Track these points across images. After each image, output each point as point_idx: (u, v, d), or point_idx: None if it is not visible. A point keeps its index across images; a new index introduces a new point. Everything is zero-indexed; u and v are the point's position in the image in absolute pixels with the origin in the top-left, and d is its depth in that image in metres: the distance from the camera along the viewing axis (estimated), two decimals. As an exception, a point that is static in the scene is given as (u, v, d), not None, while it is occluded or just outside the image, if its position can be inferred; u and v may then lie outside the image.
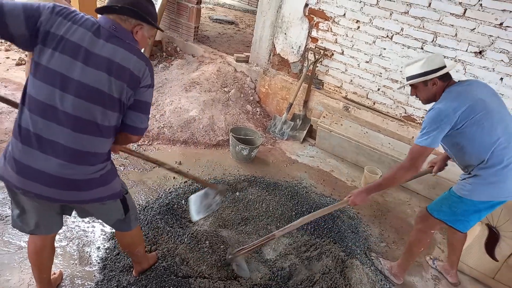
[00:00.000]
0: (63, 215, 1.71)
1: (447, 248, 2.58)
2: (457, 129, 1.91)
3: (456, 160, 2.11)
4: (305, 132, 4.23)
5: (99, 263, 2.18)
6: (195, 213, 2.36)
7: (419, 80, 2.05)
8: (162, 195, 2.84)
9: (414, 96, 2.18)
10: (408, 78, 2.11)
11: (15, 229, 1.67)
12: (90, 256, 2.22)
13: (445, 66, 2.03)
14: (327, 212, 2.23)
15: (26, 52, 3.87)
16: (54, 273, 2.02)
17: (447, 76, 2.05)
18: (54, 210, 1.63)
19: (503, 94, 3.21)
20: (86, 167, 1.45)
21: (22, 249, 2.17)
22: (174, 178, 3.09)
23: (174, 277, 2.05)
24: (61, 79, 1.35)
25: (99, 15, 1.50)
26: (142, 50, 4.76)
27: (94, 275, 2.11)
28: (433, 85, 2.04)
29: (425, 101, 2.13)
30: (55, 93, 1.35)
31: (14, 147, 1.40)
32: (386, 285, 2.42)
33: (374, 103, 3.98)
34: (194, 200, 2.40)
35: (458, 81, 2.07)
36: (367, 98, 4.01)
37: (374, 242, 2.83)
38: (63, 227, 2.35)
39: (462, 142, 1.95)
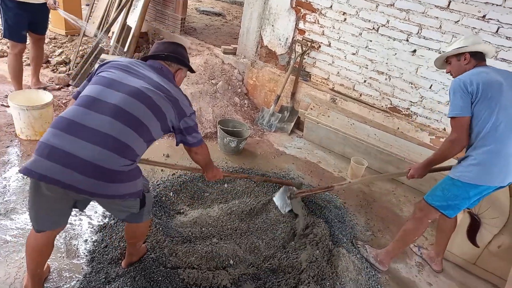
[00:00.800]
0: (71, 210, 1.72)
1: (436, 236, 2.63)
2: (472, 102, 1.99)
3: None
4: (292, 124, 4.25)
5: (86, 255, 2.17)
6: (282, 208, 2.77)
7: (453, 53, 2.19)
8: (150, 187, 2.82)
9: (449, 73, 2.27)
10: (448, 52, 2.23)
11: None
12: (77, 249, 2.21)
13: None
14: (388, 177, 2.55)
15: (8, 44, 3.78)
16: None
17: (479, 56, 2.15)
18: (68, 205, 1.64)
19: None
20: (117, 157, 1.47)
21: (7, 243, 2.15)
22: (162, 170, 3.08)
23: (163, 268, 2.06)
24: (118, 84, 1.60)
25: (149, 60, 1.84)
26: (127, 43, 4.72)
27: (82, 268, 2.10)
28: (465, 60, 2.15)
29: (455, 76, 2.19)
30: (106, 92, 1.56)
31: (49, 135, 1.46)
32: (372, 272, 2.48)
33: (360, 95, 4.02)
34: (278, 198, 2.83)
35: (489, 65, 2.16)
36: (354, 90, 4.05)
37: (360, 230, 2.89)
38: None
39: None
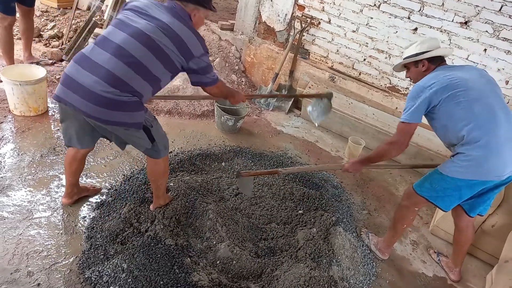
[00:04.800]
0: (98, 138, 2.11)
1: (453, 247, 2.51)
2: (435, 106, 1.95)
3: (443, 141, 2.13)
4: (290, 102, 4.21)
5: (84, 232, 2.18)
6: (315, 118, 2.84)
7: (409, 61, 2.15)
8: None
9: (409, 78, 2.26)
10: (404, 60, 2.21)
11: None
12: (75, 225, 2.21)
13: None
14: (322, 169, 2.47)
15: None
16: (85, 185, 2.45)
17: (437, 59, 2.10)
18: (87, 128, 1.97)
19: (485, 65, 3.25)
20: (113, 89, 1.70)
21: (4, 219, 2.14)
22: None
23: (162, 245, 2.08)
24: (125, 25, 1.77)
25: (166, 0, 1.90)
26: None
27: (81, 244, 2.11)
28: (423, 66, 2.12)
29: (415, 82, 2.15)
30: (114, 31, 1.77)
31: (69, 66, 1.78)
32: (367, 250, 2.51)
33: (359, 74, 3.98)
34: (311, 109, 2.87)
35: (449, 65, 2.11)
36: (353, 68, 3.99)
37: (356, 210, 2.92)
38: (46, 197, 2.35)
39: (442, 119, 1.99)
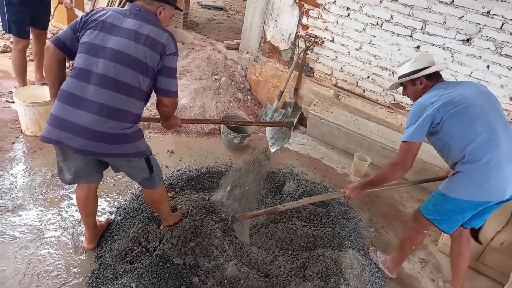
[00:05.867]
0: (102, 169, 2.01)
1: (451, 269, 2.41)
2: (438, 124, 1.92)
3: (444, 159, 2.11)
4: (295, 119, 4.26)
5: (93, 251, 2.21)
6: (272, 145, 2.76)
7: (406, 79, 2.12)
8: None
9: (406, 96, 2.23)
10: (399, 78, 2.18)
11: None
12: (84, 245, 2.24)
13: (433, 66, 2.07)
14: (322, 199, 2.37)
15: (12, 39, 3.78)
16: (101, 221, 2.35)
17: (435, 75, 2.08)
18: (90, 163, 1.88)
19: (489, 82, 3.28)
20: (116, 123, 1.67)
21: (16, 239, 2.18)
22: (166, 167, 3.10)
23: (170, 265, 2.09)
24: (98, 49, 1.68)
25: (128, 3, 1.83)
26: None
27: (90, 264, 2.13)
28: (420, 83, 2.10)
29: (414, 100, 2.13)
30: (91, 60, 1.67)
31: (55, 107, 1.68)
32: (375, 268, 2.50)
33: (364, 91, 4.02)
34: (269, 136, 2.82)
35: (447, 81, 2.08)
36: (357, 85, 4.04)
37: (363, 227, 2.91)
38: (57, 217, 2.39)
39: (443, 137, 1.96)
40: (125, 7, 1.82)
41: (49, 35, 4.84)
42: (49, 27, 3.90)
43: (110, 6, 4.77)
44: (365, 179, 2.18)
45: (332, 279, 2.23)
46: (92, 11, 1.79)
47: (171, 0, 1.86)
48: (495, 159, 1.85)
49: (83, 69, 1.67)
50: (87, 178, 1.97)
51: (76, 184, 2.04)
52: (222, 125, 3.56)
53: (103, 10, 1.79)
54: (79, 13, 4.06)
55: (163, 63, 1.77)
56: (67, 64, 4.08)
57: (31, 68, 3.98)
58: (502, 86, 3.25)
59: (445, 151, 2.03)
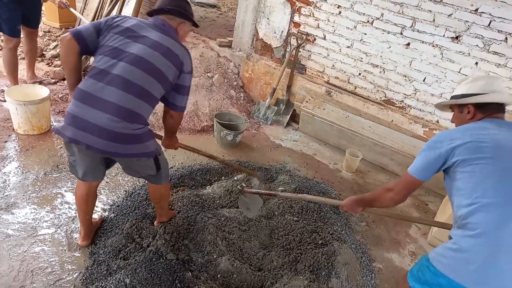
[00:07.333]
0: (106, 168, 2.07)
1: None
2: (451, 168, 1.52)
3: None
4: (288, 116, 4.29)
5: (87, 248, 2.22)
6: (248, 213, 2.61)
7: (452, 103, 1.70)
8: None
9: (454, 123, 1.77)
10: (448, 100, 1.78)
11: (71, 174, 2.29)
12: (78, 242, 2.25)
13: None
14: (320, 201, 2.39)
15: (2, 38, 3.76)
16: (95, 218, 2.35)
17: (490, 107, 1.58)
18: (99, 161, 1.95)
19: (477, 78, 3.33)
20: (129, 124, 1.72)
21: (9, 237, 2.19)
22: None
23: (163, 260, 2.12)
24: (120, 53, 1.74)
25: (149, 18, 1.93)
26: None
27: (84, 260, 2.15)
28: (468, 113, 1.62)
29: None
30: (111, 62, 1.73)
31: (72, 105, 1.73)
32: (366, 261, 2.55)
33: (355, 88, 4.06)
34: (242, 205, 2.62)
35: (504, 120, 1.59)
36: (349, 82, 4.09)
37: (354, 222, 2.96)
38: (50, 214, 2.40)
39: (450, 185, 1.55)
40: (148, 19, 1.92)
41: (40, 33, 4.83)
42: (40, 25, 3.88)
43: (103, 1, 4.75)
44: (363, 196, 1.93)
45: (324, 272, 2.27)
46: (117, 16, 1.89)
47: (192, 17, 1.97)
48: (493, 235, 1.35)
49: (102, 70, 1.73)
50: (94, 175, 2.03)
51: (76, 182, 2.09)
52: (215, 122, 3.59)
53: (129, 18, 1.88)
54: (76, 13, 4.08)
55: (179, 81, 1.88)
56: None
57: (22, 66, 3.96)
58: (490, 82, 3.30)
59: (451, 203, 1.60)
